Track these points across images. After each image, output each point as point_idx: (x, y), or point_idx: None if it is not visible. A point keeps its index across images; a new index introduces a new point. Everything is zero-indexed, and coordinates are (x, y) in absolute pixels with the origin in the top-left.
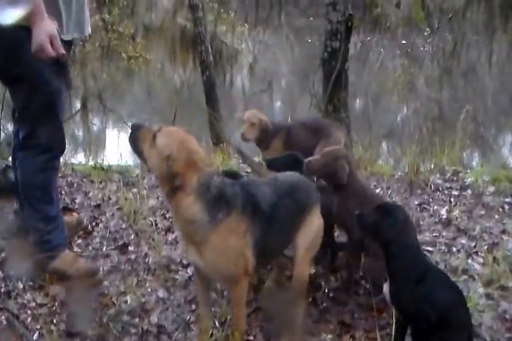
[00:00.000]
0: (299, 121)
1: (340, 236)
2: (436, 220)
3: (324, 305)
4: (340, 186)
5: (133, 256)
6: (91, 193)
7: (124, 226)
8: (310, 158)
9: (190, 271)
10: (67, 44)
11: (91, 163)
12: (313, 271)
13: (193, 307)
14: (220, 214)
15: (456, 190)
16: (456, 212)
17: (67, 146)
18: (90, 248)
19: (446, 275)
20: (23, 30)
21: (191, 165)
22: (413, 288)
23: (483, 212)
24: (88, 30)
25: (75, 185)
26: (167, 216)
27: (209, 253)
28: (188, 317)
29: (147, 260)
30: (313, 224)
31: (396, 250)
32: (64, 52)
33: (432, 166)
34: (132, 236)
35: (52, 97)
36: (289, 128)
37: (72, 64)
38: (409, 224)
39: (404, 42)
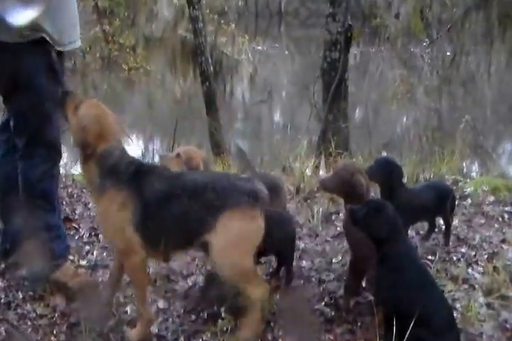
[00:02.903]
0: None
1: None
2: (436, 229)
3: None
4: (355, 203)
5: None
6: (91, 204)
7: None
8: (323, 177)
9: (190, 281)
10: (61, 55)
11: None
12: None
13: (193, 317)
14: (108, 184)
15: (456, 199)
16: (455, 221)
17: (68, 157)
18: (90, 258)
19: (431, 278)
20: (22, 43)
21: (101, 137)
22: (398, 284)
23: (483, 221)
24: (79, 42)
25: (75, 196)
26: None
27: (98, 215)
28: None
29: (147, 270)
30: (232, 227)
31: (388, 246)
32: None
33: (432, 175)
34: None
35: (50, 105)
36: None
37: (73, 75)
38: (399, 221)
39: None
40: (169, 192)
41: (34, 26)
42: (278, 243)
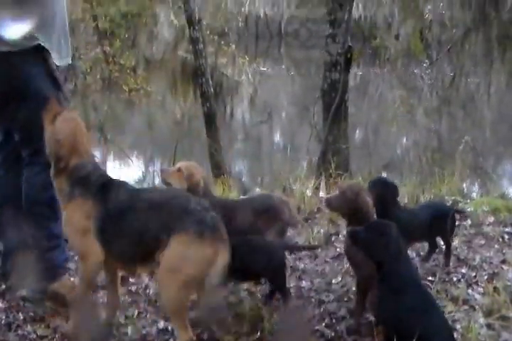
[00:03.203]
0: (244, 200)
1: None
2: (437, 250)
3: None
4: (359, 222)
5: (133, 288)
6: None
7: None
8: (329, 196)
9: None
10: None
11: None
12: None
13: (194, 338)
14: (76, 192)
15: (456, 219)
16: (456, 242)
17: None
18: None
19: (432, 299)
20: (19, 54)
21: (75, 152)
22: (399, 304)
23: (483, 242)
24: (69, 59)
25: None
26: None
27: (64, 221)
28: None
29: (148, 291)
30: (176, 250)
31: (389, 266)
32: None
33: (432, 196)
34: None
35: None
36: (227, 206)
37: (74, 96)
38: (401, 242)
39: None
40: (129, 206)
41: (29, 36)
42: (263, 270)
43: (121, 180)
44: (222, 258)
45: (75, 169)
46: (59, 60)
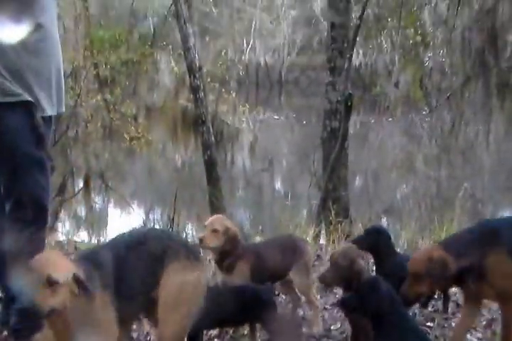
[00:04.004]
0: (268, 241)
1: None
2: (435, 296)
3: None
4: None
5: (135, 335)
6: None
7: None
8: (322, 273)
9: None
10: (49, 120)
11: (94, 241)
12: None
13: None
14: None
15: None
16: (454, 288)
17: (70, 225)
18: None
19: None
20: (5, 103)
21: None
22: None
23: None
24: (63, 108)
25: None
26: None
27: None
28: None
29: (149, 338)
30: (174, 281)
31: (384, 324)
32: None
33: (431, 242)
34: None
35: (36, 169)
36: (258, 250)
37: (75, 143)
38: (393, 294)
39: (403, 120)
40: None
41: (16, 93)
42: (251, 315)
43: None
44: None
45: None
46: (51, 108)
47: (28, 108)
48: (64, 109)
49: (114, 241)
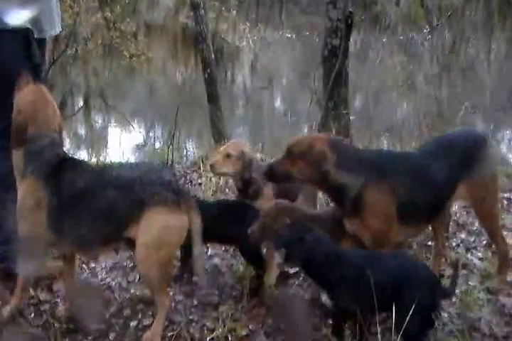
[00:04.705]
0: None
1: None
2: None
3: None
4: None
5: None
6: None
7: None
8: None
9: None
10: (43, 42)
11: (94, 160)
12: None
13: (195, 302)
14: (28, 170)
15: None
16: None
17: (69, 143)
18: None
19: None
20: (3, 30)
21: (33, 123)
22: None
23: None
24: (59, 28)
25: None
26: None
27: (18, 200)
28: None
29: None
30: (155, 222)
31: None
32: None
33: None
34: None
35: None
36: None
37: (75, 62)
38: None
39: (403, 39)
40: (88, 187)
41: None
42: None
43: (78, 159)
44: (197, 224)
45: (29, 140)
46: (49, 30)
47: (25, 35)
48: (58, 30)
49: (98, 168)
